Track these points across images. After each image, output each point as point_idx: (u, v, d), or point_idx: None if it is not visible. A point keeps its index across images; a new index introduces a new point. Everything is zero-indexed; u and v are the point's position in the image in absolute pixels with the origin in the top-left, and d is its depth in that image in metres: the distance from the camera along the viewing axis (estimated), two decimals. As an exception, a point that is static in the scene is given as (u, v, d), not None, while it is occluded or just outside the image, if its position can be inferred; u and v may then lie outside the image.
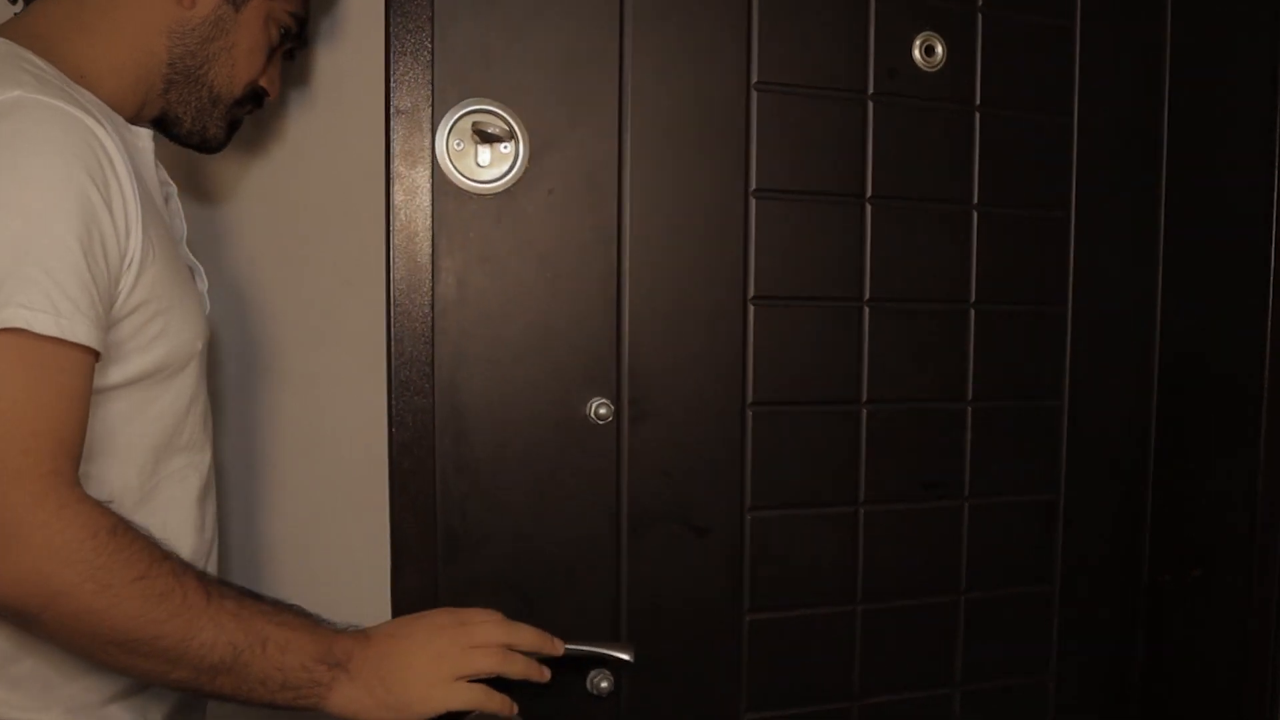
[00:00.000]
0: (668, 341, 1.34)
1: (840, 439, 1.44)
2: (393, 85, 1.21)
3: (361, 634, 1.07)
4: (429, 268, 1.23)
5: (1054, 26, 1.56)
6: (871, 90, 1.44)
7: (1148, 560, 1.65)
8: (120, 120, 1.11)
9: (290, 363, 1.56)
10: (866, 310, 1.45)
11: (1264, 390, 1.61)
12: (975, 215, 1.51)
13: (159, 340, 1.07)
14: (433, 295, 1.23)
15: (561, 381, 1.30)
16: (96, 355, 0.98)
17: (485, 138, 1.23)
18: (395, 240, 1.21)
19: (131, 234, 1.01)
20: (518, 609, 1.27)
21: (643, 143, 1.32)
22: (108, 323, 1.00)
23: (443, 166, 1.24)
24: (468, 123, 1.25)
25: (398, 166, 1.21)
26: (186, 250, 1.25)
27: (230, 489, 1.55)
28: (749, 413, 1.39)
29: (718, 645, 1.39)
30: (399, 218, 1.21)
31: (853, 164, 1.44)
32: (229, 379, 1.56)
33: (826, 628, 1.44)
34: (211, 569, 1.22)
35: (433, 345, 1.23)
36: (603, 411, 1.29)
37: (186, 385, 1.14)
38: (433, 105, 1.23)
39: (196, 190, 1.54)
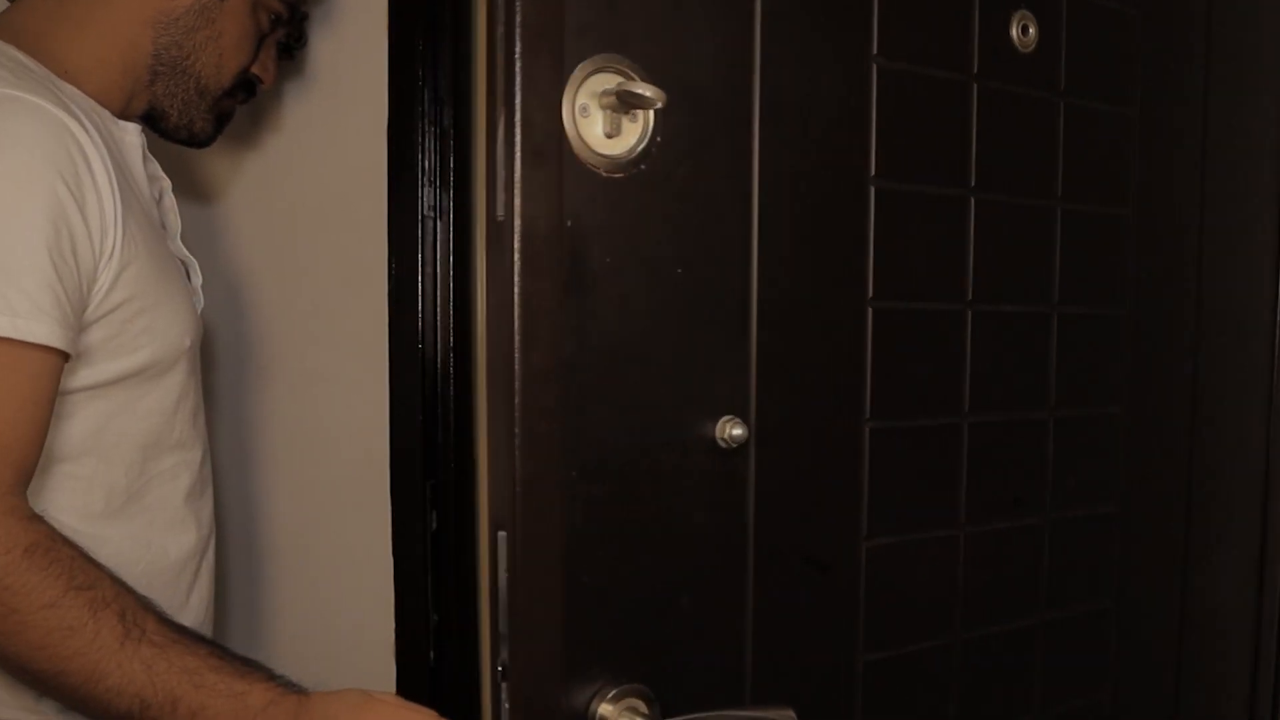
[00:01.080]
0: (788, 349, 1.16)
1: (944, 455, 1.31)
2: (518, 29, 0.96)
3: (293, 709, 0.96)
4: (558, 263, 0.99)
5: (1118, 12, 1.47)
6: (976, 70, 1.30)
7: (1183, 568, 1.61)
8: (107, 115, 1.09)
9: (288, 361, 1.52)
10: (969, 314, 1.31)
11: (1271, 396, 1.60)
12: (1059, 211, 1.40)
13: (144, 337, 1.05)
14: (563, 296, 0.99)
15: (691, 399, 1.09)
16: (66, 356, 0.96)
17: (627, 102, 1.00)
18: (521, 230, 0.96)
19: (108, 232, 0.99)
20: (645, 676, 1.06)
21: (770, 116, 1.13)
22: (81, 322, 0.98)
23: (570, 138, 1.00)
24: (597, 83, 1.01)
25: (522, 138, 0.96)
26: (180, 245, 1.20)
27: (228, 488, 1.51)
28: (866, 429, 1.22)
29: (834, 693, 1.22)
30: (525, 204, 0.96)
31: (959, 152, 1.30)
32: (226, 376, 1.52)
33: (929, 662, 1.31)
34: (208, 566, 1.18)
35: (581, 359, 1.00)
36: (737, 433, 1.09)
37: (175, 383, 1.11)
38: (563, 59, 0.99)
39: (193, 185, 1.49)
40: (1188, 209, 1.58)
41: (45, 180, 0.93)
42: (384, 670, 1.52)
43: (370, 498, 1.50)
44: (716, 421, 1.10)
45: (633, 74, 1.03)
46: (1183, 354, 1.59)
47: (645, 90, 0.98)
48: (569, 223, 1.00)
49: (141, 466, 1.09)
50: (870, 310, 1.22)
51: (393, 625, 1.51)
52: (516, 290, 0.97)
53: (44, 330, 0.92)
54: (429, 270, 1.53)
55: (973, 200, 1.31)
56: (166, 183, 1.20)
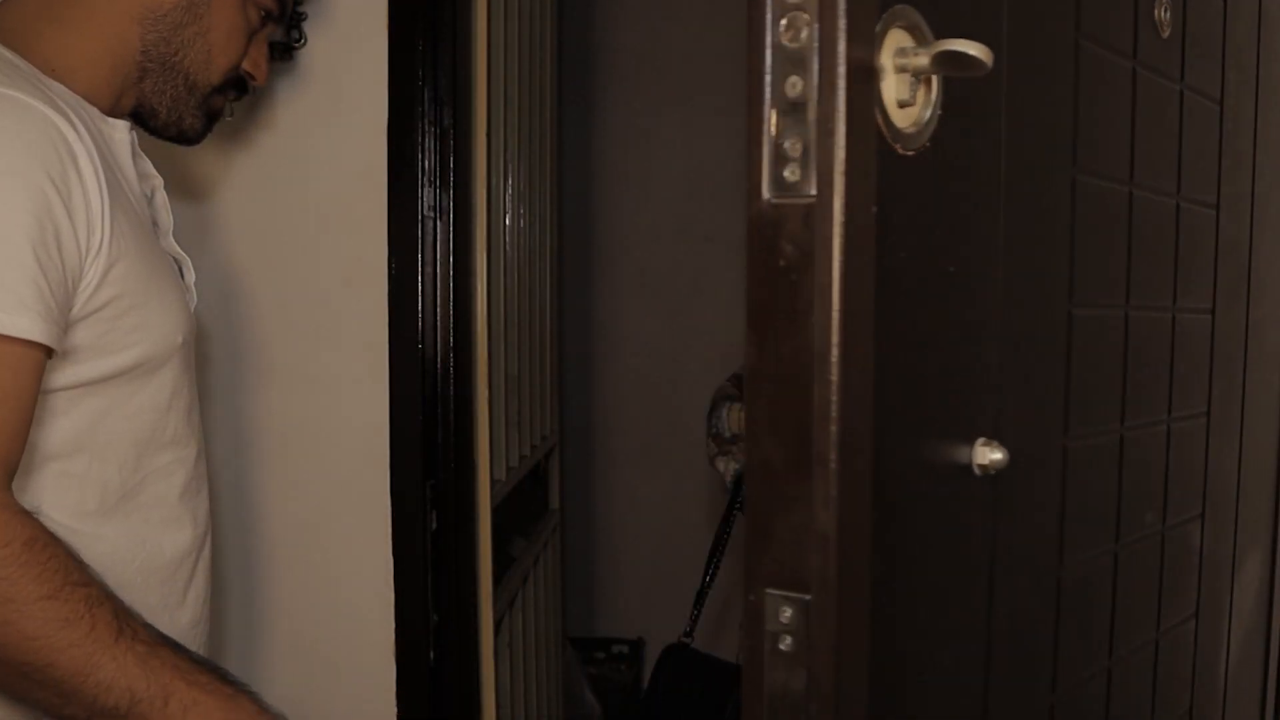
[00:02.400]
0: (1018, 360, 1.02)
1: (1107, 470, 1.21)
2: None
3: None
4: (873, 260, 0.80)
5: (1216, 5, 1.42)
6: (1135, 53, 1.21)
7: (1232, 574, 1.60)
8: (95, 113, 1.09)
9: (287, 360, 1.54)
10: (1127, 317, 1.22)
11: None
12: (1178, 208, 1.34)
13: (135, 334, 1.05)
14: (875, 302, 0.81)
15: (954, 419, 0.93)
16: (50, 351, 0.96)
17: (949, 65, 0.82)
18: (843, 214, 0.77)
19: (95, 229, 0.99)
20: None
21: (1011, 93, 0.98)
22: (68, 319, 0.98)
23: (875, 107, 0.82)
24: (894, 41, 0.83)
25: (846, 101, 0.77)
26: (172, 242, 1.20)
27: (227, 487, 1.52)
28: (1065, 448, 1.10)
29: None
30: (849, 182, 0.77)
31: (1124, 143, 1.20)
32: (224, 375, 1.53)
33: (1089, 690, 1.21)
34: (205, 564, 1.19)
35: (876, 377, 0.81)
36: (996, 457, 0.94)
37: (168, 379, 1.11)
38: (880, 7, 0.80)
39: (192, 184, 1.50)
40: (1243, 206, 1.55)
41: (30, 177, 0.93)
42: (384, 670, 1.56)
43: (370, 498, 1.53)
44: (973, 445, 0.94)
45: (924, 31, 0.85)
46: (1238, 358, 1.56)
47: (974, 50, 0.81)
48: (874, 209, 0.81)
49: (135, 463, 1.08)
50: (1073, 317, 1.09)
51: (393, 625, 1.54)
52: (837, 288, 0.77)
53: (25, 324, 0.92)
54: (429, 270, 1.54)
55: (1132, 195, 1.21)
56: (158, 180, 1.19)
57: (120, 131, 1.11)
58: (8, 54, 1.03)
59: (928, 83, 0.86)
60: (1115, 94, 1.18)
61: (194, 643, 1.16)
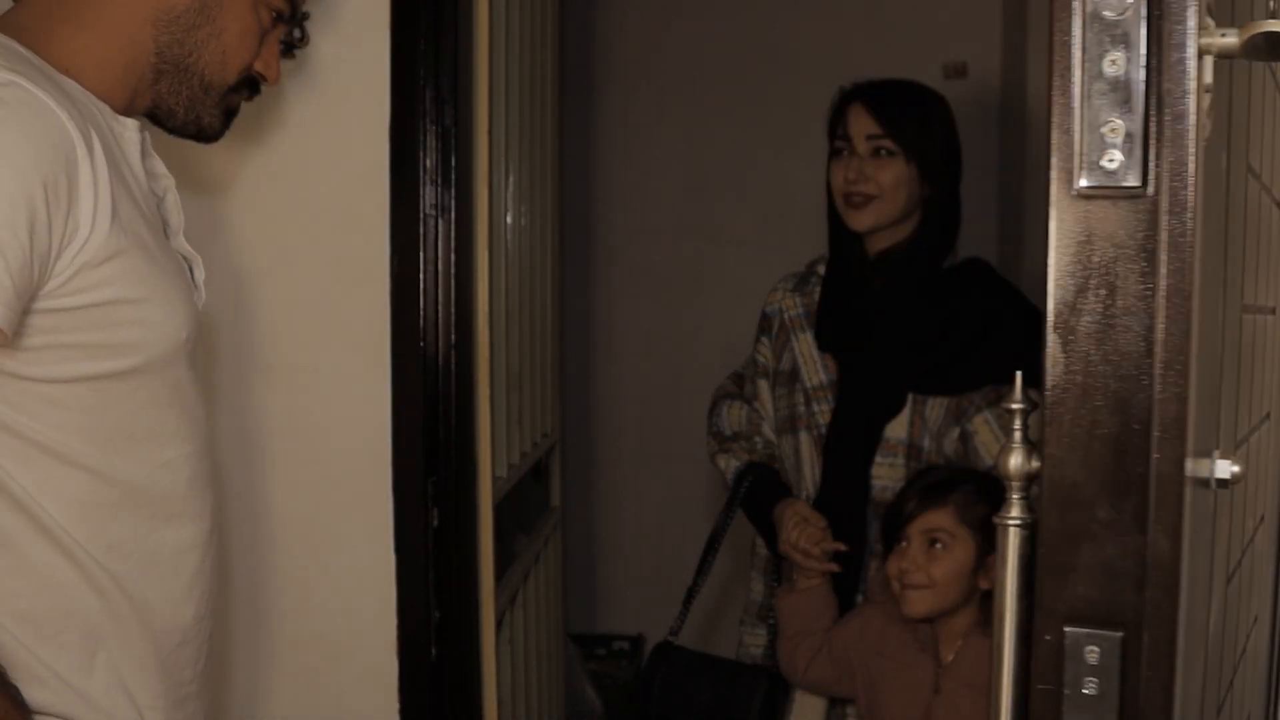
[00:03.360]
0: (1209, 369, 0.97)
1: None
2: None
3: None
4: (1198, 259, 0.72)
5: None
6: (1265, 46, 1.17)
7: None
8: (107, 111, 1.09)
9: (290, 358, 1.56)
10: (1255, 320, 1.19)
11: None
12: (1275, 207, 1.32)
13: (138, 329, 1.06)
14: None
15: (1206, 430, 0.86)
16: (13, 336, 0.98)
17: (1261, 47, 0.74)
18: (1190, 217, 0.69)
19: (82, 225, 0.99)
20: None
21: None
22: (24, 307, 0.97)
23: (1190, 89, 0.73)
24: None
25: (1197, 79, 0.68)
26: (183, 242, 1.21)
27: (231, 484, 1.54)
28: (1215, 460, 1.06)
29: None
30: (1190, 176, 0.69)
31: (1255, 134, 1.17)
32: (228, 372, 1.55)
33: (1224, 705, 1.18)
34: (211, 560, 1.19)
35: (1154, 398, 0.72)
36: (1236, 470, 0.88)
37: (173, 375, 1.12)
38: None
39: (196, 182, 1.50)
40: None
41: (16, 163, 0.93)
42: (386, 667, 1.56)
43: (372, 495, 1.54)
44: (1212, 458, 0.88)
45: (1213, 12, 0.78)
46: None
47: (1288, 33, 0.74)
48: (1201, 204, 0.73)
49: (141, 459, 1.09)
50: (1244, 320, 1.05)
51: (395, 622, 1.55)
52: (1180, 288, 0.69)
53: None
54: (431, 268, 1.56)
55: (1260, 193, 1.18)
56: (170, 180, 1.19)
57: (130, 131, 1.11)
58: (23, 50, 1.03)
59: (1213, 68, 0.79)
60: (1253, 85, 1.14)
61: (197, 638, 1.15)
